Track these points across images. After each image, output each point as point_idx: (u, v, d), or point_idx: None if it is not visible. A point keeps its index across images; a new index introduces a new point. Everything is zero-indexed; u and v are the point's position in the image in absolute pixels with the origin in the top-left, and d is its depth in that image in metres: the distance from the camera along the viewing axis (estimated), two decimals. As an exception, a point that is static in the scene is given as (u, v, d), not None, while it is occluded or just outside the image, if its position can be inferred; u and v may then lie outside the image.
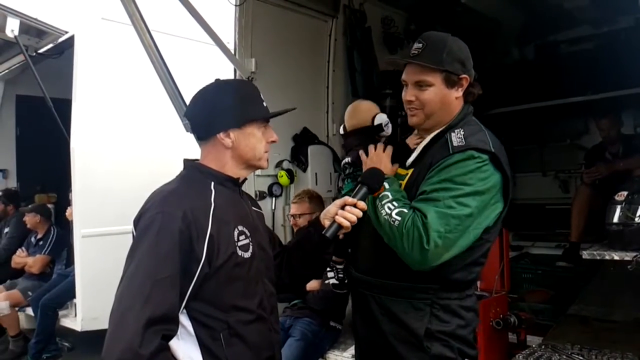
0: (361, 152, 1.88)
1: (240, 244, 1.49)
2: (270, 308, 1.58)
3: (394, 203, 1.63)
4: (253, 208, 1.69)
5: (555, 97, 4.70)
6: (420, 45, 1.73)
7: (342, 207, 1.64)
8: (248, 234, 1.53)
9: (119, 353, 1.25)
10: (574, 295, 3.52)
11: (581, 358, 2.47)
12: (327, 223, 1.67)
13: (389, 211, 1.62)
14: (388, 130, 2.10)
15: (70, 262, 5.18)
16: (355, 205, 1.64)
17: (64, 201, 5.56)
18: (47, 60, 5.31)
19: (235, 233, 1.49)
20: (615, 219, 2.52)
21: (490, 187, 1.63)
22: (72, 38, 4.68)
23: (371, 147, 1.86)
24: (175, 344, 1.39)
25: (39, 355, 4.60)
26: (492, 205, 1.65)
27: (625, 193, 2.51)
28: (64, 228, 5.47)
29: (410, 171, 1.77)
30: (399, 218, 1.60)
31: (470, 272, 1.74)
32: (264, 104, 1.59)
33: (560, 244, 4.26)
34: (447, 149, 1.66)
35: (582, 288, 3.58)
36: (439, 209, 1.56)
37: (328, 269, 2.34)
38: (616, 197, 2.55)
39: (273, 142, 1.62)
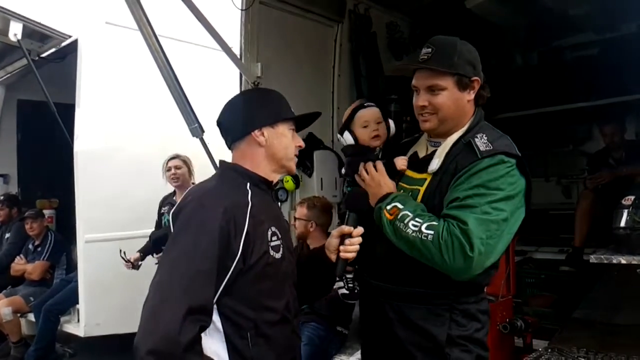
0: (357, 177, 1.87)
1: (272, 244, 1.51)
2: (294, 311, 1.60)
3: (418, 219, 1.60)
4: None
5: (558, 103, 4.72)
6: (430, 49, 1.71)
7: (341, 239, 1.67)
8: (280, 236, 1.55)
9: (157, 339, 1.26)
10: (577, 300, 3.52)
11: (588, 361, 2.49)
12: (332, 257, 1.69)
13: (415, 228, 1.59)
14: None
15: (71, 267, 5.18)
16: (351, 235, 1.67)
17: (66, 207, 5.57)
18: (48, 64, 5.29)
19: (269, 233, 1.51)
20: (622, 223, 2.52)
21: (518, 191, 1.63)
22: (75, 42, 4.70)
23: (362, 170, 1.84)
24: (202, 340, 1.38)
25: None
26: (519, 209, 1.64)
27: (632, 197, 2.52)
28: (65, 233, 5.48)
29: (427, 176, 1.75)
30: (431, 232, 1.56)
31: (488, 274, 1.73)
32: (292, 110, 1.65)
33: (564, 249, 4.26)
34: (473, 154, 1.65)
35: (587, 292, 3.58)
36: (477, 215, 1.54)
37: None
38: (623, 202, 2.55)
39: (300, 147, 1.66)
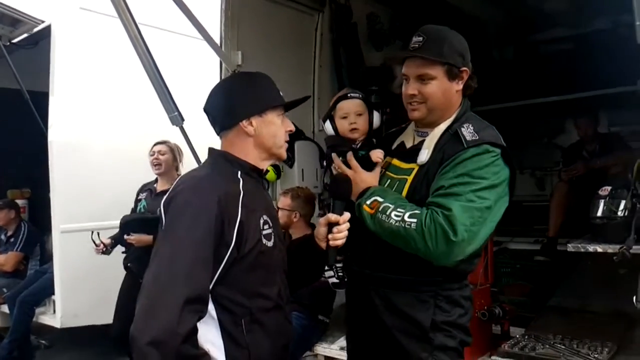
0: (335, 174, 1.90)
1: (264, 232, 1.52)
2: (286, 298, 1.61)
3: (400, 209, 1.64)
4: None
5: (533, 97, 4.81)
6: (421, 38, 1.73)
7: (329, 227, 1.68)
8: (271, 224, 1.56)
9: (157, 330, 1.25)
10: (552, 288, 3.63)
11: (563, 347, 2.57)
12: (322, 245, 1.70)
13: (398, 218, 1.62)
14: None
15: (45, 258, 5.11)
16: (339, 222, 1.67)
17: (39, 197, 5.45)
18: (20, 50, 5.15)
19: (261, 222, 1.52)
20: (599, 213, 2.59)
21: (502, 180, 1.67)
22: (48, 28, 4.56)
23: (340, 170, 1.86)
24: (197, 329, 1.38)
25: (10, 356, 4.44)
26: (502, 198, 1.68)
27: (609, 188, 2.60)
28: (38, 224, 5.39)
29: (414, 166, 1.77)
30: (414, 220, 1.60)
31: (472, 263, 1.78)
32: (280, 93, 1.62)
33: (538, 239, 4.37)
34: (460, 144, 1.68)
35: (561, 281, 3.70)
36: (461, 202, 1.57)
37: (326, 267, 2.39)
38: (600, 192, 2.63)
39: (290, 131, 1.66)
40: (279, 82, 1.68)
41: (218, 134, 1.62)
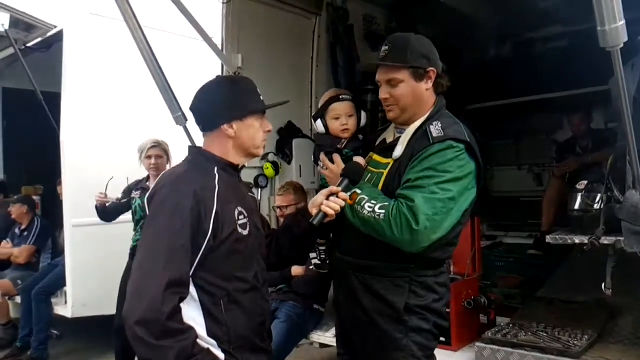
0: (319, 168, 2.11)
1: (240, 222, 1.66)
2: (262, 280, 1.76)
3: (373, 201, 1.80)
4: (249, 194, 1.89)
5: (530, 94, 4.87)
6: (387, 47, 1.91)
7: (328, 197, 1.82)
8: (246, 215, 1.70)
9: (143, 310, 1.41)
10: (543, 281, 3.73)
11: (545, 335, 2.63)
12: (314, 211, 1.84)
13: (370, 209, 1.79)
14: None
15: (57, 252, 5.28)
16: (338, 195, 1.82)
17: (51, 193, 5.67)
18: (34, 53, 5.38)
19: (236, 213, 1.66)
20: (577, 206, 2.70)
21: (467, 173, 1.81)
22: (60, 32, 4.77)
23: (325, 162, 2.08)
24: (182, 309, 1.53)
25: (44, 347, 4.61)
26: (469, 190, 1.83)
27: (585, 182, 2.70)
28: (51, 218, 5.57)
29: (390, 160, 1.93)
30: (382, 211, 1.76)
31: (445, 251, 1.93)
32: (261, 97, 1.77)
33: (532, 234, 4.46)
34: (427, 140, 1.84)
35: (551, 273, 3.79)
36: (424, 194, 1.73)
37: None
38: (577, 186, 2.74)
39: (269, 132, 1.80)
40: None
41: (202, 131, 1.77)
